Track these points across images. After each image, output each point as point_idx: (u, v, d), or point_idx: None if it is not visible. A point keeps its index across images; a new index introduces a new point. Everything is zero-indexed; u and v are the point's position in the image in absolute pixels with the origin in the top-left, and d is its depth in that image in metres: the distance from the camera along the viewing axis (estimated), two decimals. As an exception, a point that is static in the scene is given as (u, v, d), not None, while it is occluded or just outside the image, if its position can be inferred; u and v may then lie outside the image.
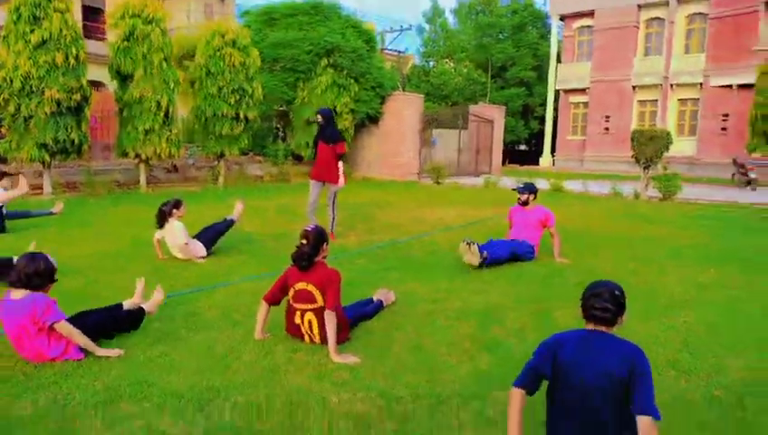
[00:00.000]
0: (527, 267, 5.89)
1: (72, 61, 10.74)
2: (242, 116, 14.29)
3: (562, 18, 30.01)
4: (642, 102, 28.35)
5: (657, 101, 27.71)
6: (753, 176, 17.43)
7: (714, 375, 3.15)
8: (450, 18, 31.32)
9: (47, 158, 10.96)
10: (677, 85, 26.95)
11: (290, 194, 13.12)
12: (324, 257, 3.64)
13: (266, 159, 17.27)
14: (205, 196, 12.55)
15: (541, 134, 29.68)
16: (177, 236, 5.66)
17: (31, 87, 10.50)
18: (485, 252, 5.68)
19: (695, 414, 2.73)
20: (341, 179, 7.30)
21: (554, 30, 30.00)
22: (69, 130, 10.93)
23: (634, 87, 28.00)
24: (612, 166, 26.96)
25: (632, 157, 14.43)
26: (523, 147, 32.87)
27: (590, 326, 2.33)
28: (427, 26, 30.91)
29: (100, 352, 3.28)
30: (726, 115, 25.35)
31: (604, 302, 2.28)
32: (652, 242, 7.63)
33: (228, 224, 6.32)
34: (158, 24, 12.33)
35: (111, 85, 13.50)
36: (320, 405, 2.75)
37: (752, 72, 22.20)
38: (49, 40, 10.49)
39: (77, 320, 3.34)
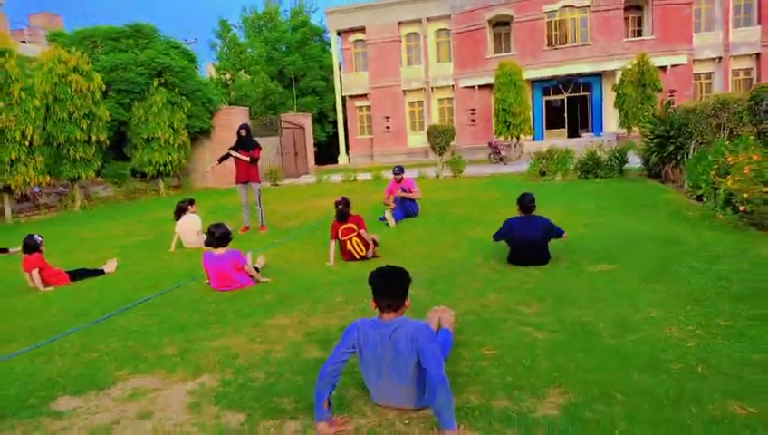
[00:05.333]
0: (421, 218, 9.21)
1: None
2: (93, 139, 14.89)
3: (339, 33, 34.34)
4: (412, 103, 34.27)
5: (423, 101, 33.86)
6: (503, 154, 23.72)
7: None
8: (240, 33, 33.32)
9: None
10: (436, 88, 33.36)
11: (164, 206, 14.39)
12: (350, 209, 6.45)
13: (106, 179, 17.60)
14: (75, 219, 13.13)
15: (335, 136, 33.71)
16: (195, 224, 7.56)
17: None
18: (397, 219, 8.94)
19: (590, 243, 6.25)
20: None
21: (334, 44, 34.17)
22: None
23: (404, 91, 33.71)
24: (395, 158, 32.17)
25: (430, 146, 18.94)
26: (315, 149, 36.62)
27: (523, 213, 5.63)
28: (218, 41, 32.39)
29: (263, 280, 5.56)
30: (474, 109, 32.44)
31: (532, 200, 5.61)
32: (473, 200, 11.57)
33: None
34: (10, 55, 12.48)
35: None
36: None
37: (488, 75, 29.26)
38: None
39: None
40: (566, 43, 29.46)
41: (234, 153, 9.15)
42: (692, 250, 5.71)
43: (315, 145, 35.10)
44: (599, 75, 29.28)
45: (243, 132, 9.45)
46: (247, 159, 9.07)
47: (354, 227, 6.34)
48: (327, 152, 35.25)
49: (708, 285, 4.51)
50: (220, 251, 5.34)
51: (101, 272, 6.43)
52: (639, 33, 29.14)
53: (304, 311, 4.53)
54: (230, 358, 3.60)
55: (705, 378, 2.94)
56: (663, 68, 27.17)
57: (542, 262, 5.56)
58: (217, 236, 5.34)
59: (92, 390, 3.26)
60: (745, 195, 6.08)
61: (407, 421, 2.67)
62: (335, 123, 33.76)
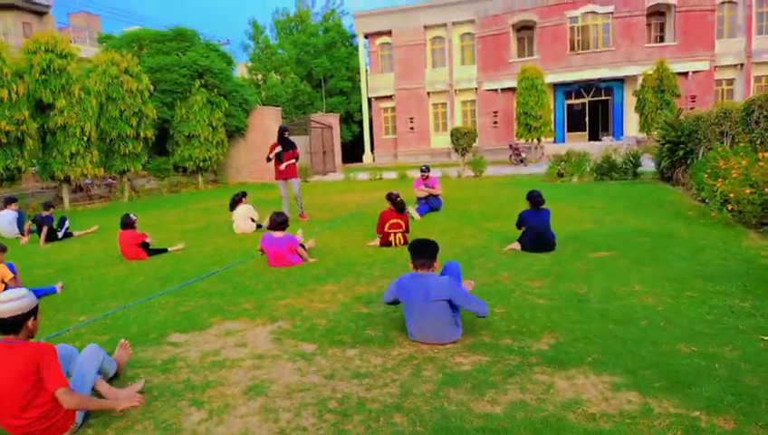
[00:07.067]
0: (443, 213, 10.15)
1: (14, 96, 11.92)
2: (141, 135, 16.14)
3: (366, 36, 35.40)
4: (435, 105, 35.14)
5: (446, 103, 34.71)
6: (524, 156, 24.49)
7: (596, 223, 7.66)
8: (271, 34, 34.66)
9: (-2, 185, 12.00)
10: (459, 90, 34.17)
11: (206, 198, 15.57)
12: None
13: (150, 172, 18.90)
14: (126, 208, 14.34)
15: (361, 136, 34.80)
16: (249, 212, 8.66)
17: (-24, 121, 11.51)
18: (421, 213, 9.90)
19: (594, 236, 7.13)
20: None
21: (361, 47, 35.25)
22: (16, 159, 12.08)
23: (428, 93, 34.60)
24: (418, 158, 33.10)
25: (453, 147, 19.84)
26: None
27: (534, 207, 6.55)
28: (251, 43, 33.76)
29: (310, 260, 6.56)
30: (496, 112, 33.19)
31: (539, 195, 6.53)
32: (492, 198, 12.46)
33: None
34: (71, 58, 13.74)
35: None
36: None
37: (510, 79, 30.03)
38: (-8, 78, 11.62)
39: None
40: (588, 48, 30.06)
41: (289, 162, 10.08)
42: (682, 242, 6.56)
43: (341, 144, 36.32)
44: (620, 80, 29.80)
45: (286, 134, 10.51)
46: (294, 160, 10.13)
47: (402, 223, 7.25)
48: (352, 151, 36.33)
49: (688, 269, 5.38)
50: (279, 234, 6.36)
51: (166, 250, 7.52)
52: (662, 39, 29.60)
53: (349, 281, 5.52)
54: (297, 311, 4.60)
55: (665, 329, 3.84)
56: (684, 74, 27.65)
57: (550, 249, 6.46)
58: (279, 222, 6.38)
59: (195, 329, 4.29)
60: (732, 195, 6.89)
61: (435, 350, 3.64)
62: (360, 123, 34.85)
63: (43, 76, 13.30)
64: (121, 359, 3.49)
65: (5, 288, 4.95)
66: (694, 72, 28.27)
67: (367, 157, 34.77)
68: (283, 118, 29.52)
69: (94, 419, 2.90)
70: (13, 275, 5.05)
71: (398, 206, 7.28)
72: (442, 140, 33.59)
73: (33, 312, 2.75)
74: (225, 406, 2.97)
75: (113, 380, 3.35)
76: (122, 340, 3.67)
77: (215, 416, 2.87)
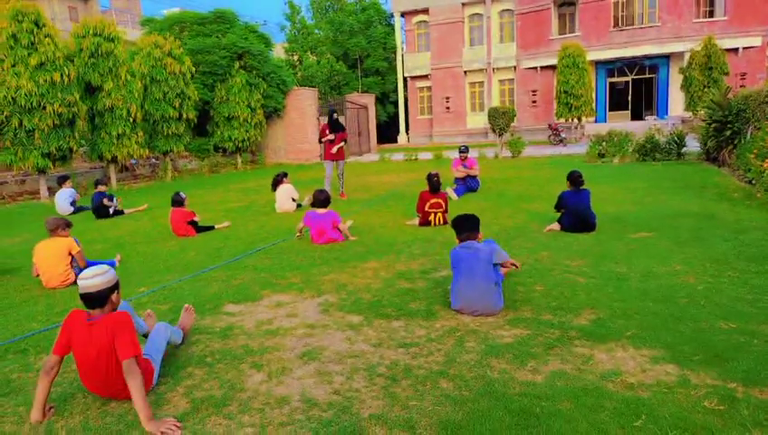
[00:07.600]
0: (481, 194, 10.20)
1: (66, 79, 12.44)
2: (184, 117, 16.58)
3: (403, 14, 35.12)
4: (472, 84, 34.74)
5: (483, 82, 34.27)
6: (563, 136, 24.10)
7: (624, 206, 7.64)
8: (307, 15, 34.83)
9: (51, 165, 12.57)
10: (497, 69, 33.67)
11: (245, 178, 15.96)
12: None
13: (191, 153, 19.42)
14: (170, 188, 14.83)
15: (396, 116, 34.76)
16: (290, 192, 8.92)
17: (31, 104, 12.03)
18: (459, 194, 9.97)
19: (635, 217, 7.13)
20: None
21: (397, 25, 35.02)
22: (68, 140, 12.64)
23: (465, 72, 34.21)
24: (454, 139, 32.91)
25: (490, 127, 19.68)
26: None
27: (574, 188, 6.56)
28: (288, 23, 33.98)
29: (351, 237, 6.76)
30: (535, 91, 32.60)
31: (580, 176, 6.54)
32: (531, 178, 12.42)
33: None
34: (118, 41, 14.18)
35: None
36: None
37: (551, 56, 29.42)
38: (46, 62, 12.11)
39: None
40: (633, 24, 29.12)
41: (340, 144, 10.37)
42: (725, 224, 6.49)
43: (376, 125, 36.33)
44: (666, 57, 28.84)
45: (335, 116, 10.72)
46: (343, 143, 10.36)
47: (442, 203, 7.35)
48: (387, 132, 36.36)
49: (730, 250, 5.35)
50: (322, 211, 6.58)
51: (213, 228, 7.85)
52: (711, 14, 28.41)
53: (390, 259, 5.70)
54: (341, 286, 4.82)
55: (704, 307, 3.89)
56: (734, 50, 26.55)
57: (590, 229, 6.49)
58: (322, 199, 6.61)
59: (248, 301, 4.55)
60: (780, 176, 6.75)
61: (478, 324, 3.79)
62: (396, 104, 34.80)
63: (92, 60, 13.79)
64: (187, 323, 3.76)
65: (72, 259, 5.32)
66: (744, 49, 27.09)
67: (402, 137, 34.76)
68: (318, 99, 29.75)
69: (163, 377, 3.17)
70: (79, 248, 5.41)
71: (432, 185, 7.37)
72: (479, 120, 33.28)
73: (116, 286, 2.95)
74: (283, 369, 3.20)
75: (180, 346, 3.62)
76: (186, 305, 3.94)
77: (274, 377, 3.10)
